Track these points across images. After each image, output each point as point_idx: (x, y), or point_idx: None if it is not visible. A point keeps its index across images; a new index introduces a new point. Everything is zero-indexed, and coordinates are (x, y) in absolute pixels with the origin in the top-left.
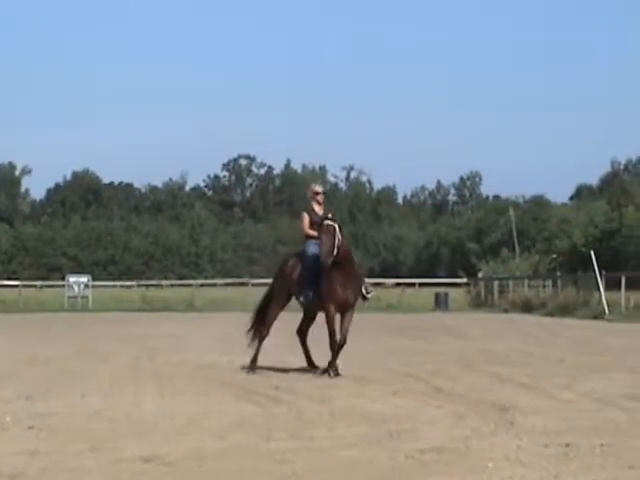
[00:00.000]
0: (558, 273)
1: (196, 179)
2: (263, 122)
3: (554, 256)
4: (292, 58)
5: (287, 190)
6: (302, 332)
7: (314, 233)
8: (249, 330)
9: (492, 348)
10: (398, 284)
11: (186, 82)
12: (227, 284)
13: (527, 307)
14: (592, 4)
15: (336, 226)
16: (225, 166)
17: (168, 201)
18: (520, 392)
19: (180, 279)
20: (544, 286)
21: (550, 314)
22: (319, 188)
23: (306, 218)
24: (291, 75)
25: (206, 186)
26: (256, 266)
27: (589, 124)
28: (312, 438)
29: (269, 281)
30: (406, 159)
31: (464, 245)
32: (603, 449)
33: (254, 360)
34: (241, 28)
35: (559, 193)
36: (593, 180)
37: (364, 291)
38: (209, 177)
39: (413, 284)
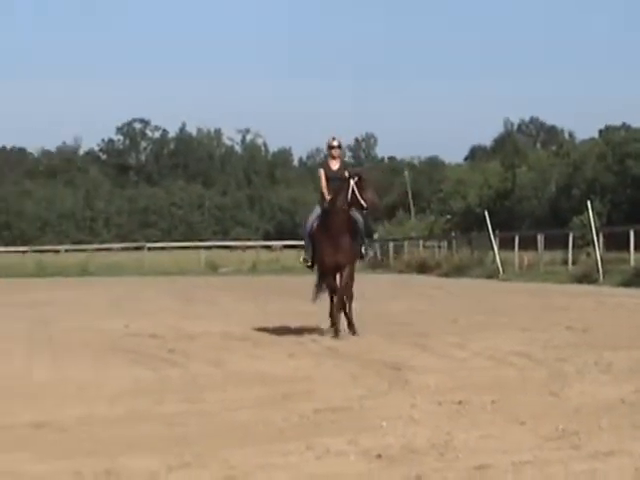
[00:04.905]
0: (453, 233)
1: (90, 143)
2: (158, 85)
3: (449, 217)
4: (187, 21)
5: (182, 153)
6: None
7: (327, 196)
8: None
9: (387, 309)
10: (286, 246)
11: (79, 45)
12: (123, 248)
13: (422, 268)
14: None
15: (352, 182)
16: (119, 130)
17: (62, 165)
18: (414, 351)
19: (75, 244)
20: (439, 247)
21: (445, 274)
22: (334, 142)
23: (322, 175)
24: (184, 37)
25: (100, 150)
26: (152, 229)
27: (482, 85)
28: (205, 401)
29: (165, 245)
30: (301, 121)
31: None
32: (494, 405)
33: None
34: None
35: (453, 154)
36: (487, 141)
37: (364, 251)
38: (103, 141)
39: None
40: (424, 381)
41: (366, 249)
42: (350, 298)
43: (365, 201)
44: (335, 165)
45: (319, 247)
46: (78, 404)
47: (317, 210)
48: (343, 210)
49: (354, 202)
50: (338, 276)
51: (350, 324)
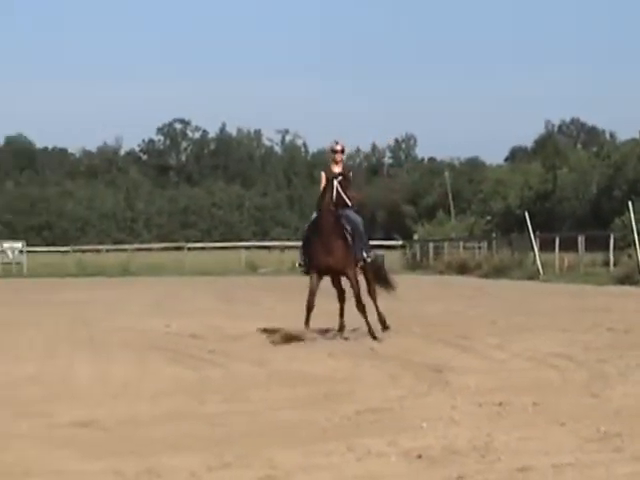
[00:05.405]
0: (493, 234)
1: (131, 143)
2: (198, 86)
3: (489, 218)
4: (220, 22)
5: (222, 154)
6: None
7: None
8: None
9: (426, 310)
10: None
11: (119, 46)
12: (163, 248)
13: (462, 269)
14: None
15: (335, 182)
16: (160, 130)
17: (103, 166)
18: (454, 353)
19: (116, 244)
20: (479, 247)
21: (485, 275)
22: (337, 146)
23: (323, 179)
24: (224, 38)
25: (141, 150)
26: (192, 230)
27: (523, 85)
28: (247, 400)
29: (205, 245)
30: (341, 122)
31: (400, 207)
32: (535, 407)
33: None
34: None
35: (494, 155)
36: (527, 142)
37: (365, 255)
38: (144, 141)
39: None
40: (464, 382)
41: (367, 252)
42: (374, 297)
43: (349, 199)
44: (337, 169)
45: (310, 249)
46: (120, 404)
47: (314, 215)
48: (330, 211)
49: (339, 201)
50: (342, 279)
51: (381, 322)
